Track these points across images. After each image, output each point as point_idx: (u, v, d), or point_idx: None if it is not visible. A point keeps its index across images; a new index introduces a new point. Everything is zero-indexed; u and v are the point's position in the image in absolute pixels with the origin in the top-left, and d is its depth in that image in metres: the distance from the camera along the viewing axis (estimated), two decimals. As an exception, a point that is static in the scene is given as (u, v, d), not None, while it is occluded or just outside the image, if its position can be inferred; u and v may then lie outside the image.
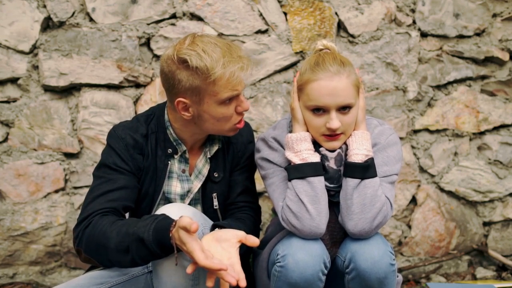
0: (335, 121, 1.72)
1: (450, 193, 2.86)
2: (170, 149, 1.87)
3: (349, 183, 1.74)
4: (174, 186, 1.90)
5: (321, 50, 1.83)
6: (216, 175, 1.93)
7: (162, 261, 1.59)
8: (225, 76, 1.69)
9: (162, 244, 1.52)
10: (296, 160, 1.75)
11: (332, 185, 1.79)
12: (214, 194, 1.93)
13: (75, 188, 2.65)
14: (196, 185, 1.92)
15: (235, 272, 1.51)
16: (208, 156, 1.93)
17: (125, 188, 1.78)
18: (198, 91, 1.72)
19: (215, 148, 1.94)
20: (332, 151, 1.79)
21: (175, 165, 1.90)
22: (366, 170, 1.73)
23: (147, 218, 1.60)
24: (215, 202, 1.93)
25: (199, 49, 1.69)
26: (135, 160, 1.83)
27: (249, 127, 2.08)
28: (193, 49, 1.69)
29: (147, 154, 1.86)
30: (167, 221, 1.53)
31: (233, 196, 1.99)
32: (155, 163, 1.87)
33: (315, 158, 1.76)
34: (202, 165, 1.93)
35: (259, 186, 2.12)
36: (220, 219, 1.92)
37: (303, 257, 1.67)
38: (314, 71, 1.74)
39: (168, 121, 1.88)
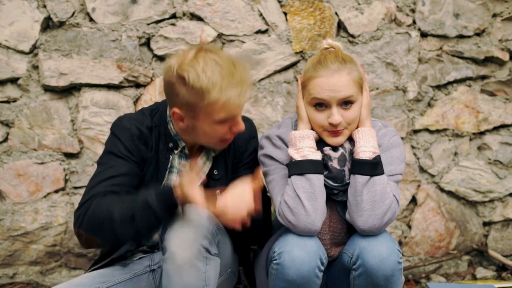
0: (336, 116, 1.74)
1: (450, 193, 2.86)
2: (171, 144, 1.88)
3: (358, 180, 1.75)
4: (174, 181, 1.90)
5: (326, 49, 1.86)
6: (216, 173, 1.93)
7: (174, 260, 1.59)
8: (221, 100, 1.68)
9: (166, 202, 1.57)
10: (297, 156, 1.76)
11: (335, 184, 1.80)
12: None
13: (75, 188, 2.65)
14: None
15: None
16: (213, 154, 1.93)
17: (128, 174, 1.79)
18: (194, 108, 1.71)
19: None
20: (336, 151, 1.80)
21: (175, 160, 1.90)
22: (375, 167, 1.74)
23: (147, 187, 1.68)
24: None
25: (199, 68, 1.67)
26: (139, 150, 1.85)
27: (251, 122, 2.06)
28: (193, 67, 1.67)
29: (151, 145, 1.87)
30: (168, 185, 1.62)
31: None
32: (157, 156, 1.88)
33: (316, 156, 1.77)
34: (203, 162, 1.93)
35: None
36: None
37: (299, 253, 1.68)
38: (316, 69, 1.77)
39: (169, 116, 1.88)
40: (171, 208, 1.59)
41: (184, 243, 1.59)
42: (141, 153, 1.85)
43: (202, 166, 1.93)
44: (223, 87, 1.67)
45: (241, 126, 1.81)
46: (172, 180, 1.91)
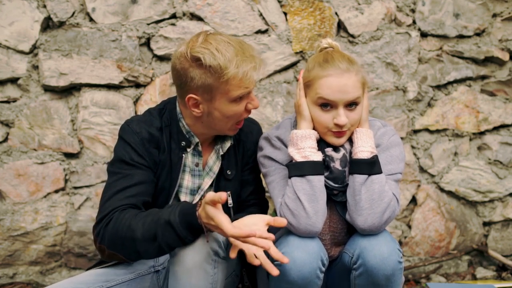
0: (342, 117, 1.74)
1: (450, 193, 2.86)
2: (183, 142, 1.87)
3: (357, 179, 1.75)
4: (187, 180, 1.90)
5: (325, 48, 1.85)
6: (229, 173, 1.93)
7: (182, 262, 1.59)
8: (238, 75, 1.69)
9: (189, 224, 1.54)
10: (298, 157, 1.76)
11: (336, 185, 1.80)
12: (228, 192, 1.92)
13: (75, 188, 2.65)
14: (207, 182, 1.92)
15: (272, 251, 1.55)
16: (221, 153, 1.93)
17: (143, 183, 1.76)
18: (210, 89, 1.72)
19: (228, 145, 1.94)
20: (337, 152, 1.80)
21: (188, 159, 1.89)
22: (372, 166, 1.75)
23: (170, 205, 1.64)
24: (230, 200, 1.92)
25: (212, 48, 1.69)
26: (151, 154, 1.82)
27: (259, 126, 2.08)
28: (207, 48, 1.70)
29: (163, 147, 1.85)
30: (192, 204, 1.58)
31: (244, 195, 2.00)
32: (170, 156, 1.86)
33: (317, 157, 1.77)
34: (213, 162, 1.93)
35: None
36: (232, 217, 1.92)
37: (300, 255, 1.67)
38: (324, 68, 1.75)
39: (180, 113, 1.87)
40: (194, 229, 1.56)
41: (194, 245, 1.58)
42: (153, 157, 1.82)
43: (212, 165, 1.93)
44: (238, 62, 1.69)
45: (256, 101, 1.82)
46: (185, 180, 1.90)
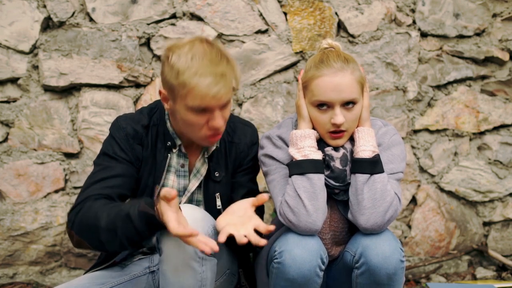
0: (339, 116, 1.75)
1: (450, 193, 2.86)
2: (169, 142, 1.88)
3: (359, 178, 1.76)
4: (172, 181, 1.90)
5: (326, 48, 1.86)
6: (217, 174, 1.93)
7: (169, 261, 1.59)
8: (191, 85, 1.65)
9: (147, 219, 1.52)
10: (298, 156, 1.77)
11: (337, 184, 1.81)
12: (217, 194, 1.93)
13: (75, 188, 2.64)
14: (194, 184, 1.92)
15: (262, 228, 1.57)
16: (206, 155, 1.93)
17: (121, 176, 1.79)
18: (172, 88, 1.71)
19: (212, 148, 1.93)
20: (337, 151, 1.81)
21: (174, 159, 1.90)
22: (374, 165, 1.75)
23: (136, 199, 1.65)
24: (218, 202, 1.92)
25: (183, 50, 1.68)
26: (134, 150, 1.85)
27: (254, 128, 2.05)
28: (179, 48, 1.70)
29: (147, 145, 1.87)
30: (154, 199, 1.58)
31: (237, 198, 1.97)
32: (155, 155, 1.88)
33: (317, 155, 1.77)
34: (200, 164, 1.93)
35: (261, 186, 2.13)
36: None
37: (300, 253, 1.68)
38: (319, 68, 1.77)
39: (167, 113, 1.90)
40: (152, 224, 1.54)
41: (179, 244, 1.57)
42: (136, 153, 1.85)
43: (200, 167, 1.93)
44: (197, 72, 1.64)
45: (217, 122, 1.72)
46: (170, 181, 1.90)
